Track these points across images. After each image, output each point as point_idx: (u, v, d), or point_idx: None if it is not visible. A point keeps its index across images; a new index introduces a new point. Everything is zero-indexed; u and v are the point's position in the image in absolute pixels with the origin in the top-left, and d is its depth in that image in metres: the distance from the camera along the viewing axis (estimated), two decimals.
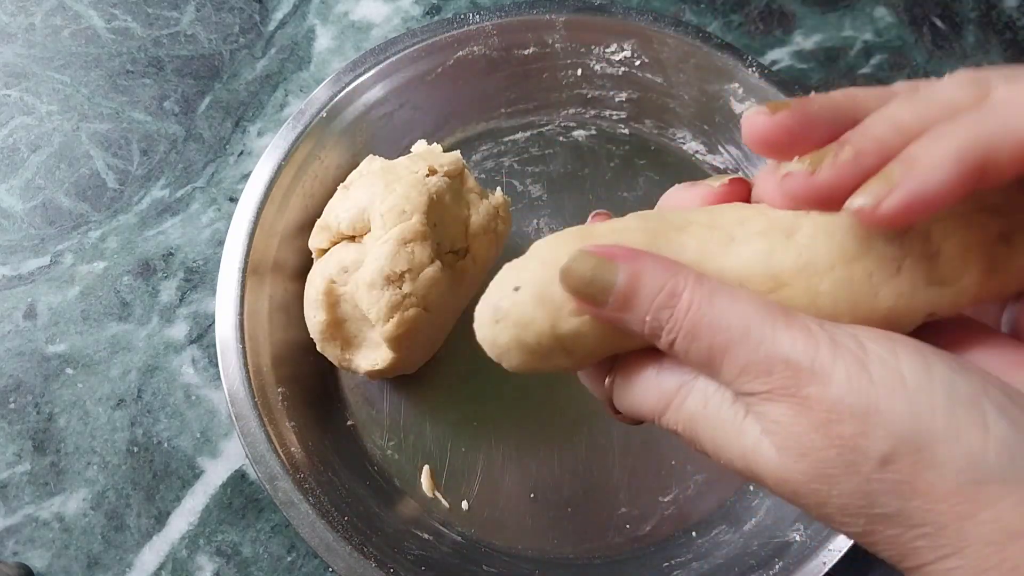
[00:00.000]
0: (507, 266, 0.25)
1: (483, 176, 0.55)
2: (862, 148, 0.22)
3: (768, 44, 0.59)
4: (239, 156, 0.55)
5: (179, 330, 0.50)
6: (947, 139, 0.21)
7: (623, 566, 0.46)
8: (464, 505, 0.47)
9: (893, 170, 0.21)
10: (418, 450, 0.48)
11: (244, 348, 0.45)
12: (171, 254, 0.52)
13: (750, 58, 0.52)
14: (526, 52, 0.54)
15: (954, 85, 0.22)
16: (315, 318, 0.44)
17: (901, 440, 0.20)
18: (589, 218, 0.27)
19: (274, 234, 0.48)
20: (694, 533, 0.47)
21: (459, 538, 0.46)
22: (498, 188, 0.49)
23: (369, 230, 0.44)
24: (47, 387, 0.49)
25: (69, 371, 0.49)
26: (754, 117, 0.23)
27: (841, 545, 0.43)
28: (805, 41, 0.59)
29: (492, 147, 0.55)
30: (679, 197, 0.27)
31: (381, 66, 0.52)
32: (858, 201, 0.21)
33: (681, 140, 0.55)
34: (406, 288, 0.42)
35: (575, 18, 0.53)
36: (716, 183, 0.26)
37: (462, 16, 0.53)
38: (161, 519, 0.46)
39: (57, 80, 0.57)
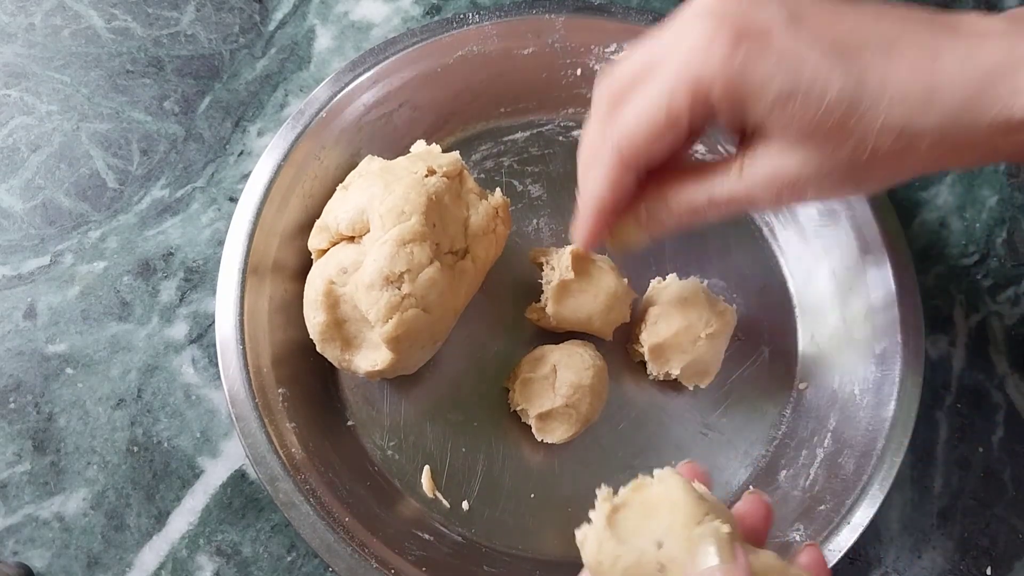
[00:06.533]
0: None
1: (483, 176, 0.54)
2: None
3: None
4: (239, 156, 0.55)
5: (179, 330, 0.50)
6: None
7: None
8: (464, 505, 0.47)
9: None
10: (418, 450, 0.48)
11: (244, 348, 0.45)
12: (171, 254, 0.52)
13: None
14: (526, 52, 0.54)
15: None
16: (315, 319, 0.44)
17: None
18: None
19: (274, 234, 0.48)
20: None
21: (459, 538, 0.46)
22: (497, 189, 0.49)
23: (368, 231, 0.44)
24: (47, 387, 0.49)
25: (69, 371, 0.49)
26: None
27: (841, 545, 0.43)
28: None
29: (492, 147, 0.55)
30: None
31: (381, 66, 0.52)
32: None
33: None
34: (405, 289, 0.42)
35: (575, 18, 0.53)
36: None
37: (462, 16, 0.53)
38: (161, 519, 0.46)
39: (57, 80, 0.57)
